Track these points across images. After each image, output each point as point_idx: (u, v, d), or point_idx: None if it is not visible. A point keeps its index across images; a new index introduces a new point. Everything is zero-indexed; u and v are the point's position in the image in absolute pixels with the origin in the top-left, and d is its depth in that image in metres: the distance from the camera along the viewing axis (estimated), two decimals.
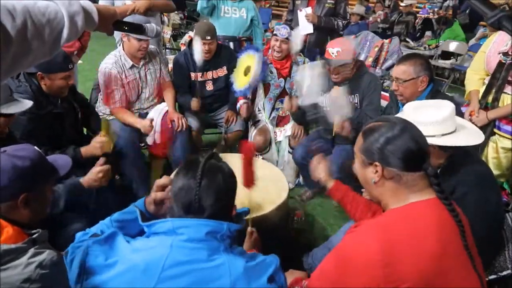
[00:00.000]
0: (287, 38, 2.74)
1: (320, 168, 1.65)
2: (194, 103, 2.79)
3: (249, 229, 1.47)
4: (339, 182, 1.61)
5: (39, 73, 1.96)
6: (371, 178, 1.07)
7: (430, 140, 1.30)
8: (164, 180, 1.14)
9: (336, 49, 2.35)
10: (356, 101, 2.48)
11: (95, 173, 1.74)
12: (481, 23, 6.56)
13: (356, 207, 1.53)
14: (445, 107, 1.40)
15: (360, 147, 1.10)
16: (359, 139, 1.12)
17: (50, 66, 1.93)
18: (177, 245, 0.93)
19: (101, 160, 1.79)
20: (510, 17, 0.71)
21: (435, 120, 1.35)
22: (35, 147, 1.28)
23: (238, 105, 2.91)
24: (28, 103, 1.75)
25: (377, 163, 1.04)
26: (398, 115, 1.65)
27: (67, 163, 1.46)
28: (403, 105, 2.00)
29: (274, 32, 2.79)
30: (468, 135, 1.39)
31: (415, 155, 1.01)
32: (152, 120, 2.59)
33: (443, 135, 1.34)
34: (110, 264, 0.94)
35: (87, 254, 0.96)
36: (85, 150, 2.04)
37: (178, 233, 0.95)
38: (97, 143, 2.02)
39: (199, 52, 2.67)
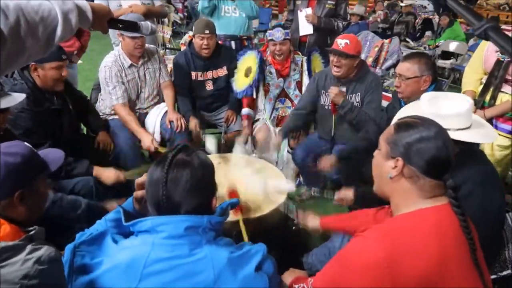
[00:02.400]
0: (284, 39, 2.74)
1: (305, 219, 1.74)
2: (192, 123, 2.76)
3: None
4: (322, 219, 1.68)
5: (32, 64, 1.96)
6: (388, 173, 1.04)
7: None
8: (143, 178, 1.13)
9: (345, 40, 2.36)
10: (357, 100, 2.48)
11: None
12: None
13: (352, 224, 1.54)
14: (463, 101, 1.36)
15: (388, 138, 1.06)
16: (389, 130, 1.08)
17: None
18: (158, 242, 0.94)
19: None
20: (495, 27, 0.71)
21: (452, 113, 1.31)
22: (26, 143, 1.27)
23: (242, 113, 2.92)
24: (20, 96, 1.74)
25: (399, 158, 1.01)
26: (412, 103, 1.64)
27: (60, 157, 1.46)
28: (404, 103, 2.00)
29: (270, 38, 2.77)
30: (481, 133, 1.36)
31: (441, 162, 0.99)
32: (154, 139, 2.56)
33: (458, 129, 1.31)
34: (96, 263, 0.96)
35: (74, 254, 0.97)
36: (97, 172, 2.03)
37: (158, 230, 0.95)
38: (113, 176, 2.03)
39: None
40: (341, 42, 2.36)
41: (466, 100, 1.37)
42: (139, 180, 1.15)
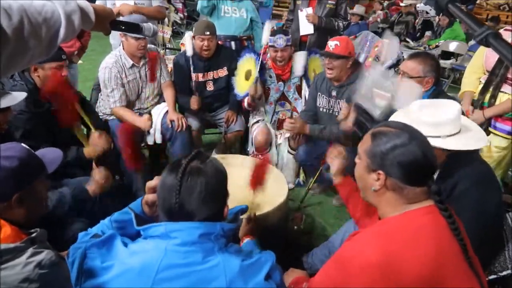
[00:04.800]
0: (286, 46, 2.73)
1: (335, 162, 1.64)
2: (194, 101, 2.78)
3: (246, 216, 1.46)
4: (348, 179, 1.60)
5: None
6: (371, 185, 1.04)
7: (434, 142, 1.27)
8: (155, 181, 1.12)
9: (334, 42, 2.39)
10: (343, 106, 2.48)
11: (98, 180, 1.76)
12: None
13: (357, 207, 1.53)
14: (451, 107, 1.37)
15: (367, 150, 1.06)
16: (367, 140, 1.07)
17: None
18: (171, 249, 0.93)
19: (94, 164, 1.83)
20: (496, 34, 0.71)
21: (440, 121, 1.31)
22: (23, 145, 1.26)
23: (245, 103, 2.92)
24: (20, 95, 1.73)
25: (380, 172, 1.01)
26: (403, 110, 1.63)
27: (58, 157, 1.44)
28: None
29: (271, 44, 2.75)
30: (472, 138, 1.36)
31: (420, 167, 0.98)
32: (150, 115, 2.57)
33: (448, 136, 1.32)
34: (107, 267, 0.95)
35: (85, 256, 0.97)
36: (86, 151, 2.05)
37: (171, 236, 0.94)
38: (95, 141, 2.06)
39: (190, 50, 2.71)
40: (331, 44, 2.40)
41: (454, 106, 1.37)
42: (150, 183, 1.14)
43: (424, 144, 1.01)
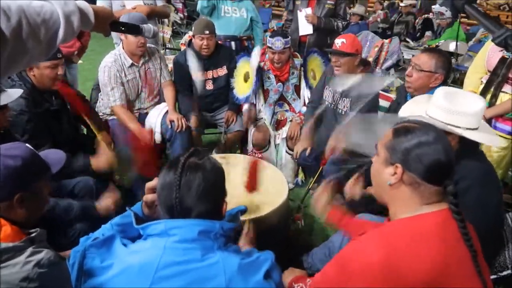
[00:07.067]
0: (284, 48, 2.72)
1: (320, 200, 1.57)
2: (194, 121, 2.79)
3: (245, 229, 1.46)
4: (333, 211, 1.53)
5: None
6: (387, 180, 1.02)
7: (454, 130, 1.28)
8: (154, 182, 1.12)
9: (341, 40, 2.41)
10: (348, 106, 2.49)
11: (109, 203, 1.77)
12: None
13: (352, 228, 1.49)
14: (478, 101, 1.35)
15: (387, 144, 1.04)
16: (387, 135, 1.06)
17: None
18: (170, 246, 0.93)
19: (111, 187, 1.84)
20: None
21: (466, 112, 1.29)
22: (27, 145, 1.27)
23: (243, 110, 2.93)
24: (16, 92, 1.72)
25: (398, 165, 0.99)
26: (423, 96, 1.62)
27: (61, 158, 1.45)
28: (411, 97, 1.99)
29: (269, 45, 2.74)
30: (488, 135, 1.36)
31: (442, 167, 0.97)
32: (151, 131, 2.58)
33: (467, 128, 1.30)
34: (106, 266, 0.95)
35: (84, 257, 0.97)
36: (94, 162, 2.05)
37: (170, 234, 0.95)
38: (104, 157, 2.06)
39: (194, 62, 2.67)
40: (338, 41, 2.42)
41: (481, 101, 1.36)
42: (149, 184, 1.15)
43: (449, 145, 1.00)
